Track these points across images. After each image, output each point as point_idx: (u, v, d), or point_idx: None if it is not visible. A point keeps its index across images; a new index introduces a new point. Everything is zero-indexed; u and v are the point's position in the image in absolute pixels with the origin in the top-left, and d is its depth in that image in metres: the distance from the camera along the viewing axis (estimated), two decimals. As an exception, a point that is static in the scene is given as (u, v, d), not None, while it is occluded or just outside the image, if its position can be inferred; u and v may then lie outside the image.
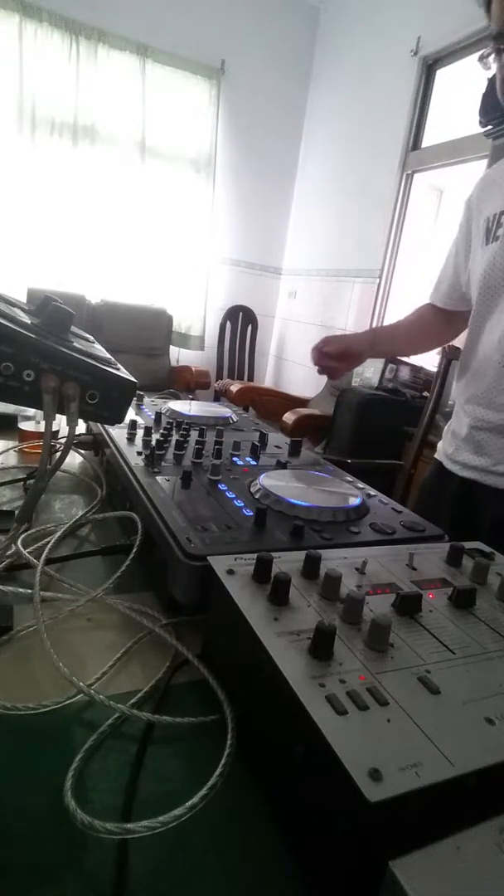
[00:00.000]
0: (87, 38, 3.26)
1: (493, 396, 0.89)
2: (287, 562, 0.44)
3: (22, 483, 0.78)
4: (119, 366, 0.56)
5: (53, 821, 0.31)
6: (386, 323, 3.25)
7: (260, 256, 4.18)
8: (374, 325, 3.26)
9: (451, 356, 2.15)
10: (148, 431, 0.75)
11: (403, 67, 3.04)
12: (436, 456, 1.07)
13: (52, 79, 3.25)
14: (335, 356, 1.00)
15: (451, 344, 2.26)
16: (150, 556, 0.55)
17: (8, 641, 0.46)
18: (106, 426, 0.78)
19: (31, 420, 0.96)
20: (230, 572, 0.42)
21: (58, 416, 0.48)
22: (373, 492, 0.69)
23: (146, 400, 1.00)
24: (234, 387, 3.31)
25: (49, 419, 0.47)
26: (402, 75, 3.06)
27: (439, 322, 1.12)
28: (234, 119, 3.80)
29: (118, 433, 0.75)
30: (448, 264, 1.07)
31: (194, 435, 0.78)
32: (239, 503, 0.58)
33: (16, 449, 0.92)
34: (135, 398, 0.85)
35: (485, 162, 2.38)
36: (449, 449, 1.00)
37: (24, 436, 0.95)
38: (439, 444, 1.07)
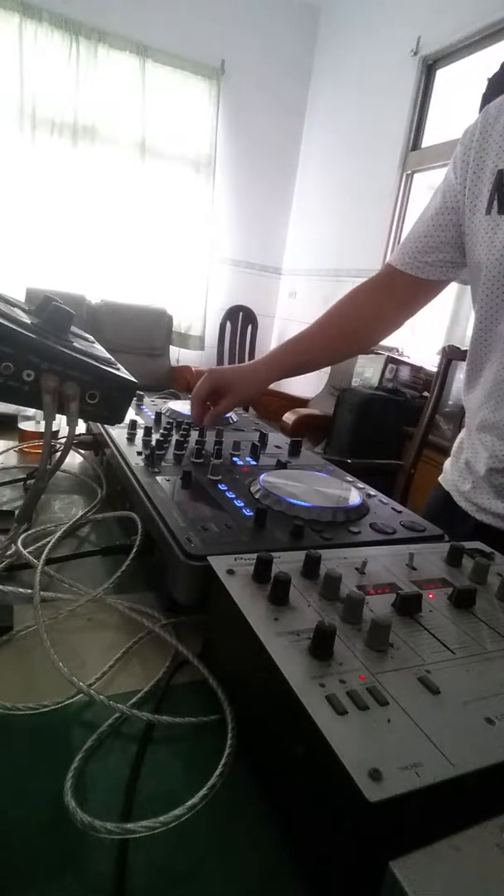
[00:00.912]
0: (87, 38, 3.26)
1: None
2: (287, 562, 0.44)
3: (22, 483, 0.78)
4: (119, 366, 0.56)
5: (53, 821, 0.31)
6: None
7: (260, 256, 4.18)
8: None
9: (451, 356, 2.15)
10: (148, 431, 0.75)
11: (403, 67, 3.05)
12: (441, 481, 0.88)
13: (52, 79, 3.25)
14: (219, 417, 0.82)
15: (451, 344, 2.26)
16: (150, 556, 0.55)
17: (8, 641, 0.46)
18: (106, 426, 0.78)
19: (31, 420, 0.96)
20: (230, 572, 0.42)
21: (58, 416, 0.48)
22: (373, 492, 0.69)
23: (146, 400, 1.00)
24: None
25: (49, 419, 0.47)
26: (402, 75, 3.06)
27: (398, 298, 0.85)
28: (234, 119, 3.80)
29: (118, 433, 0.75)
30: (424, 219, 0.81)
31: (194, 435, 0.78)
32: (239, 503, 0.58)
33: (16, 449, 0.92)
34: (135, 398, 0.85)
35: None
36: (463, 485, 0.81)
37: (24, 436, 0.95)
38: (446, 466, 0.88)
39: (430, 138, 3.04)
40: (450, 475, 0.85)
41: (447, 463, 0.88)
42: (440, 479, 0.89)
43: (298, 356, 0.89)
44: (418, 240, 0.82)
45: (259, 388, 0.86)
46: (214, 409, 0.82)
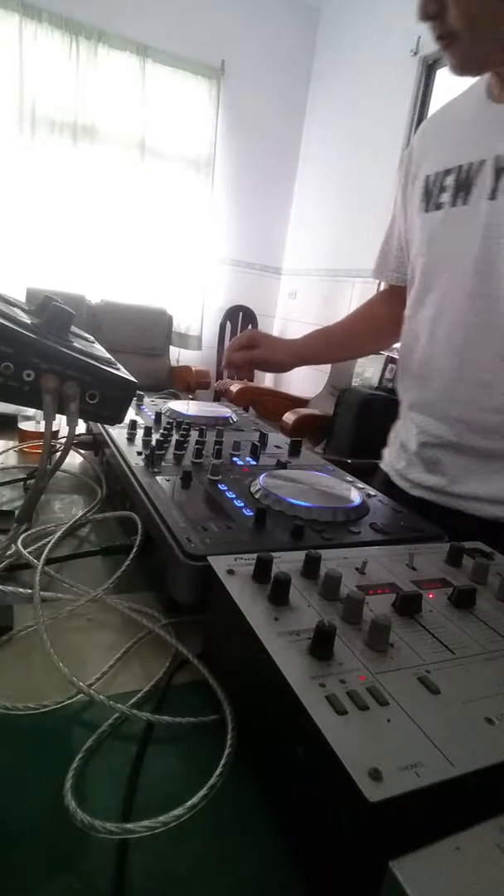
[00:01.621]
0: (87, 38, 3.26)
1: (441, 406, 0.76)
2: (287, 562, 0.44)
3: (22, 483, 0.78)
4: (119, 366, 0.56)
5: (53, 821, 0.31)
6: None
7: (260, 256, 4.18)
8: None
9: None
10: (148, 431, 0.75)
11: (403, 67, 3.05)
12: (381, 466, 0.94)
13: (52, 79, 3.25)
14: (247, 362, 0.92)
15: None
16: (150, 556, 0.55)
17: (8, 641, 0.46)
18: (106, 426, 0.78)
19: (31, 420, 0.96)
20: (230, 572, 0.42)
21: (58, 416, 0.48)
22: (373, 492, 0.69)
23: (146, 400, 1.00)
24: (234, 387, 3.31)
25: (49, 419, 0.47)
26: (402, 75, 3.06)
27: (394, 308, 0.92)
28: (234, 119, 3.80)
29: (118, 433, 0.75)
30: (391, 234, 0.90)
31: (194, 435, 0.78)
32: (239, 503, 0.58)
33: (16, 449, 0.92)
34: (135, 398, 0.85)
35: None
36: (398, 464, 0.87)
37: (24, 436, 0.95)
38: (385, 452, 0.94)
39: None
40: (387, 458, 0.93)
41: (385, 450, 0.95)
42: (380, 463, 0.95)
43: (320, 348, 1.00)
44: (386, 249, 0.93)
45: (287, 355, 0.96)
46: (248, 353, 0.92)
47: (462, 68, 0.65)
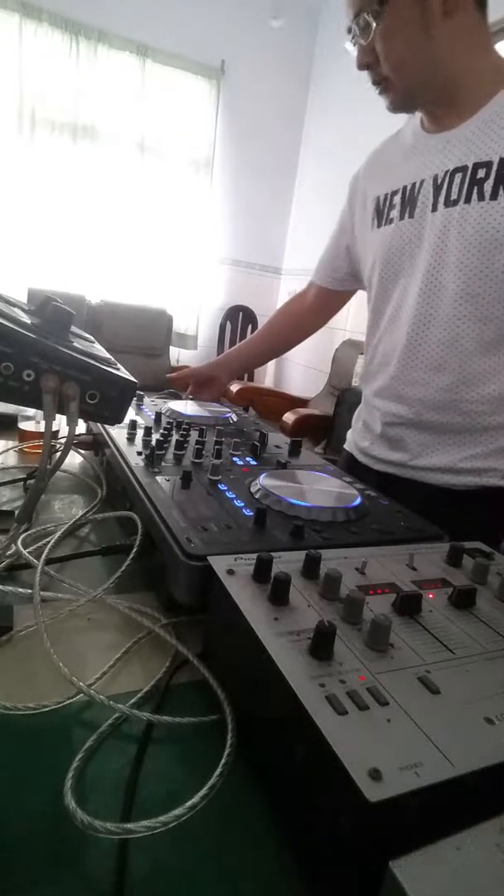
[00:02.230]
0: (87, 38, 3.26)
1: (400, 389, 0.87)
2: (287, 562, 0.44)
3: (22, 483, 0.78)
4: (119, 366, 0.56)
5: (53, 821, 0.31)
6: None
7: (260, 256, 4.18)
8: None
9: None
10: (148, 431, 0.75)
11: (403, 67, 3.04)
12: (346, 447, 1.06)
13: (52, 79, 3.24)
14: (194, 386, 1.12)
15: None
16: (150, 556, 0.55)
17: (8, 641, 0.46)
18: (106, 426, 0.78)
19: (31, 420, 0.96)
20: (230, 572, 0.42)
21: (58, 416, 0.48)
22: (373, 492, 0.69)
23: (146, 400, 1.00)
24: (234, 387, 3.31)
25: (49, 419, 0.47)
26: (402, 75, 3.06)
27: (315, 308, 1.14)
28: (234, 119, 3.80)
29: (118, 433, 0.75)
30: (332, 243, 1.07)
31: (194, 435, 0.78)
32: (239, 503, 0.58)
33: (16, 449, 0.92)
34: (135, 398, 0.85)
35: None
36: (362, 443, 0.98)
37: (24, 436, 0.95)
38: (349, 434, 1.06)
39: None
40: (351, 438, 1.05)
41: (348, 433, 1.08)
42: (345, 445, 1.08)
43: (244, 356, 1.21)
44: (327, 258, 1.09)
45: (222, 374, 1.15)
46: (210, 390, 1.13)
47: (396, 107, 0.80)
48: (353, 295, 1.14)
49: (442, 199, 0.78)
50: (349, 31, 0.76)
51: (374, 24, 0.72)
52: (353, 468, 0.98)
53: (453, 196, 0.76)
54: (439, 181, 0.78)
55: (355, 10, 0.74)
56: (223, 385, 1.15)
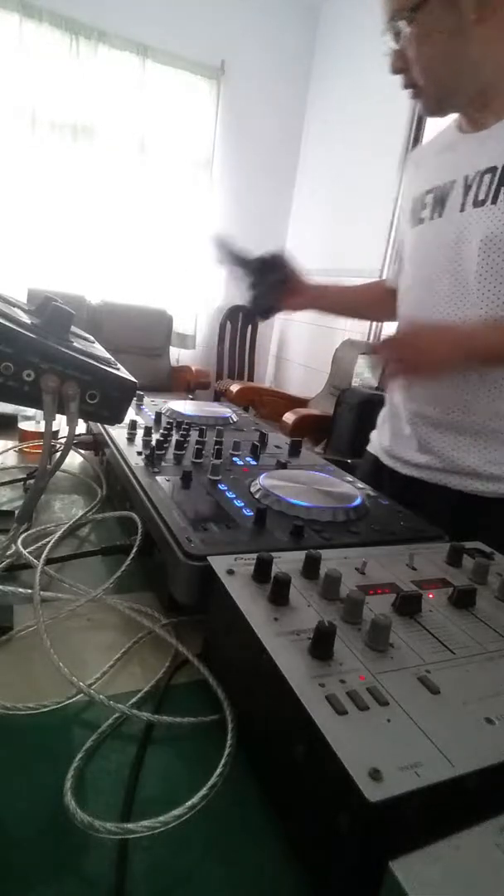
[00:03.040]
0: (87, 38, 3.26)
1: (434, 390, 0.85)
2: (287, 562, 0.44)
3: (22, 483, 0.78)
4: (119, 366, 0.56)
5: (53, 821, 0.31)
6: (385, 326, 3.26)
7: (260, 256, 4.18)
8: (374, 325, 3.26)
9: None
10: (148, 431, 0.75)
11: (403, 67, 3.04)
12: (369, 449, 1.03)
13: (52, 79, 3.24)
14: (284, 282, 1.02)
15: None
16: (150, 556, 0.55)
17: (8, 641, 0.46)
18: (106, 426, 0.78)
19: (31, 420, 0.96)
20: (230, 572, 0.42)
21: (58, 416, 0.48)
22: (373, 492, 0.69)
23: (146, 400, 1.00)
24: (234, 387, 3.31)
25: (49, 419, 0.47)
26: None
27: (389, 299, 1.07)
28: (234, 119, 3.80)
29: (118, 433, 0.75)
30: (397, 240, 1.05)
31: (194, 435, 0.78)
32: (239, 503, 0.58)
33: (16, 449, 0.92)
34: (135, 398, 0.85)
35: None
36: (388, 444, 0.95)
37: (24, 436, 0.95)
38: (373, 436, 1.03)
39: (430, 138, 3.04)
40: (376, 440, 1.01)
41: (373, 434, 1.04)
42: (368, 448, 1.04)
43: (336, 301, 1.13)
44: (395, 257, 1.03)
45: (311, 293, 1.06)
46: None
47: (428, 112, 0.80)
48: None
49: (470, 199, 0.77)
50: (387, 32, 0.75)
51: (407, 30, 0.71)
52: (377, 472, 0.95)
53: (481, 196, 0.76)
54: (469, 181, 0.77)
55: (390, 13, 0.72)
56: (306, 301, 1.06)
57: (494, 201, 0.74)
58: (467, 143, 0.80)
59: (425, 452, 0.87)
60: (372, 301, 1.12)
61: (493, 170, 0.74)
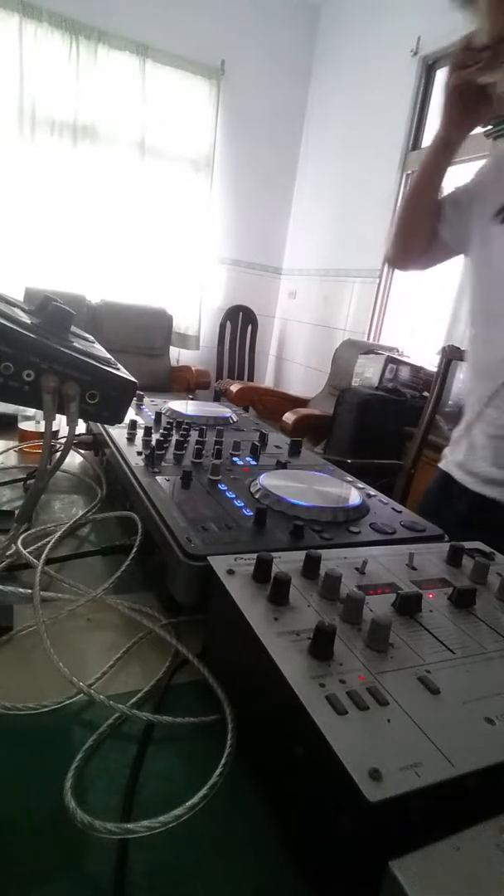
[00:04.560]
0: (87, 38, 3.26)
1: None
2: (287, 562, 0.44)
3: (22, 483, 0.78)
4: (119, 366, 0.56)
5: (53, 821, 0.31)
6: (385, 326, 3.25)
7: (260, 256, 4.18)
8: (374, 325, 3.26)
9: (451, 356, 2.15)
10: (148, 431, 0.75)
11: (403, 67, 3.04)
12: (441, 466, 0.95)
13: (52, 79, 3.24)
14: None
15: (451, 344, 2.26)
16: (150, 556, 0.55)
17: (8, 641, 0.46)
18: (106, 426, 0.78)
19: (31, 420, 0.96)
20: (230, 572, 0.42)
21: (58, 416, 0.48)
22: (373, 492, 0.69)
23: (146, 400, 1.00)
24: (234, 387, 3.31)
25: (49, 419, 0.47)
26: (402, 75, 3.06)
27: (430, 225, 0.94)
28: (234, 119, 3.80)
29: (118, 433, 0.75)
30: (462, 191, 0.92)
31: (194, 435, 0.78)
32: (239, 503, 0.58)
33: (16, 449, 0.92)
34: (135, 398, 0.85)
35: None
36: (461, 457, 0.88)
37: (24, 436, 0.95)
38: (446, 452, 0.96)
39: (430, 138, 3.04)
40: (450, 456, 0.93)
41: (447, 450, 0.95)
42: (440, 464, 0.96)
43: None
44: (452, 199, 0.91)
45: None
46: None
47: None
48: (424, 265, 0.99)
49: None
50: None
51: None
52: (445, 489, 0.89)
53: None
54: None
55: None
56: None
57: None
58: None
59: (501, 467, 0.80)
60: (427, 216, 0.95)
61: None
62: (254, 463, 0.74)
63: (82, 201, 3.49)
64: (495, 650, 0.37)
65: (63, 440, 0.54)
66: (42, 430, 0.56)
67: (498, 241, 0.82)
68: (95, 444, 0.89)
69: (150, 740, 0.38)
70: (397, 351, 2.99)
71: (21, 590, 0.49)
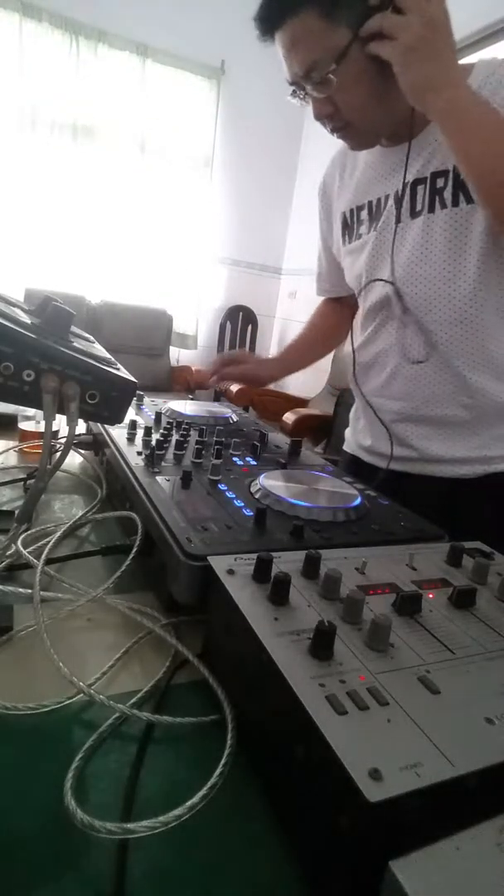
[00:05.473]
0: (87, 38, 3.26)
1: (398, 387, 0.89)
2: (287, 562, 0.44)
3: (22, 483, 0.78)
4: (119, 366, 0.56)
5: (53, 821, 0.31)
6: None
7: (260, 256, 4.18)
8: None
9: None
10: (148, 431, 0.75)
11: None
12: (345, 448, 1.07)
13: (52, 79, 3.25)
14: (236, 377, 1.07)
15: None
16: (150, 556, 0.55)
17: (8, 641, 0.46)
18: (106, 426, 0.78)
19: (31, 420, 0.96)
20: (230, 572, 0.42)
21: (58, 416, 0.48)
22: (373, 492, 0.69)
23: (146, 400, 1.00)
24: (234, 387, 3.31)
25: (49, 419, 0.47)
26: (402, 75, 3.06)
27: (338, 313, 1.16)
28: (234, 119, 3.80)
29: (118, 433, 0.75)
30: (323, 255, 1.13)
31: (194, 435, 0.78)
32: (239, 503, 0.58)
33: (16, 449, 0.92)
34: (135, 398, 0.85)
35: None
36: (365, 441, 0.98)
37: (24, 436, 0.95)
38: (348, 435, 1.07)
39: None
40: (352, 438, 1.05)
41: (347, 433, 1.08)
42: (344, 447, 1.08)
43: (294, 359, 1.20)
44: (326, 271, 1.15)
45: (274, 370, 1.15)
46: (238, 367, 1.07)
47: (360, 146, 0.84)
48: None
49: (406, 210, 0.81)
50: (296, 86, 0.78)
51: (334, 79, 0.72)
52: (357, 469, 0.97)
53: (417, 207, 0.80)
54: (401, 193, 0.81)
55: (305, 68, 0.74)
56: (254, 373, 1.12)
57: (432, 209, 0.77)
58: (391, 156, 0.84)
59: (404, 446, 0.90)
60: (328, 332, 1.19)
61: (423, 180, 0.78)
62: (254, 463, 0.74)
63: (82, 201, 3.49)
64: (495, 650, 0.37)
65: (63, 440, 0.54)
66: (42, 430, 0.56)
67: (348, 261, 0.96)
68: (95, 444, 0.89)
69: (150, 740, 0.38)
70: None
71: (21, 590, 0.49)
